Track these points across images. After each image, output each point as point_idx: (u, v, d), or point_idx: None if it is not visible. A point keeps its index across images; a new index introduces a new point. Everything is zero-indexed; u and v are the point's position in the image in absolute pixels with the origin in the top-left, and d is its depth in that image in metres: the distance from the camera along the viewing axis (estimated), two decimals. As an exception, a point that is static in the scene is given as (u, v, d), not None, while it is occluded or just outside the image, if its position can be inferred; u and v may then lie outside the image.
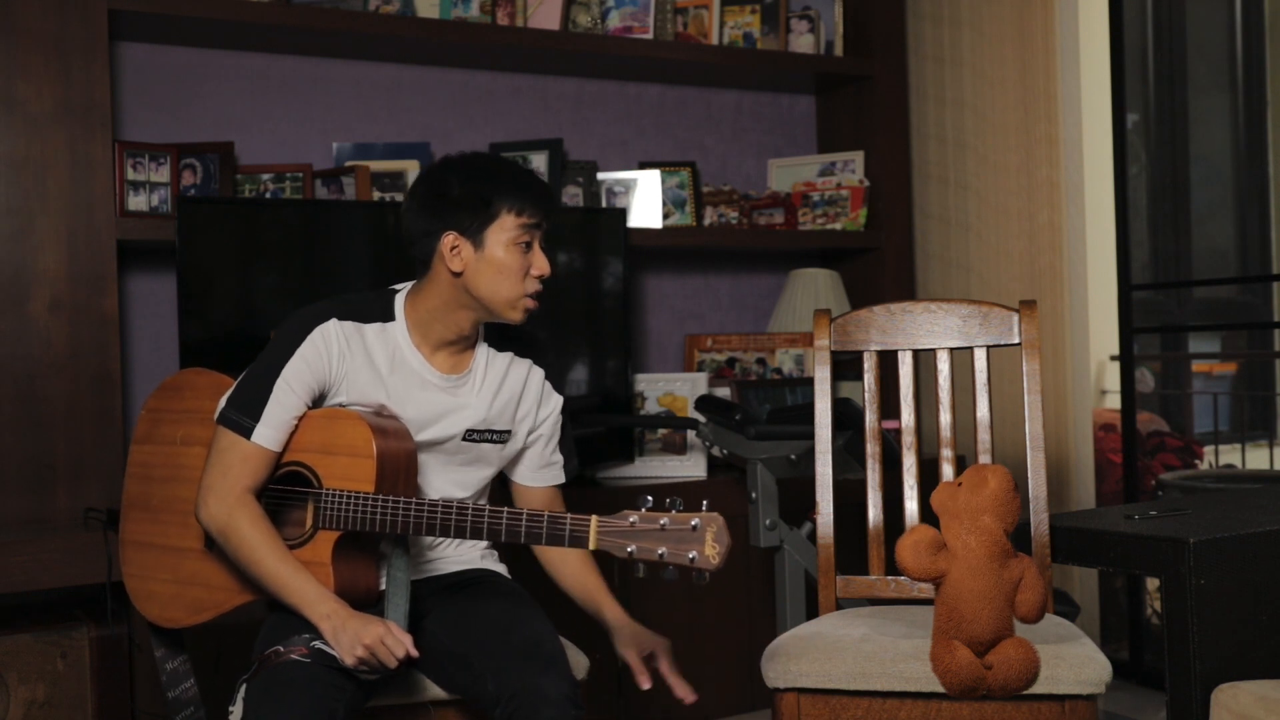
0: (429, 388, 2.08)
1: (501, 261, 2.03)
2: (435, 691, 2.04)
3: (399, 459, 1.98)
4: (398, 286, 2.14)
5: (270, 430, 1.98)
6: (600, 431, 3.33)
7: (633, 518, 1.81)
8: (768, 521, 2.86)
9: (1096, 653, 1.95)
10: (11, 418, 2.80)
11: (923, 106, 4.00)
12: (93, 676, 2.61)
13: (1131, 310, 3.61)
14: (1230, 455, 5.04)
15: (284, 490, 2.04)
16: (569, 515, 1.85)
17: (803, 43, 3.90)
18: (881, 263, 3.92)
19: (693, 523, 1.79)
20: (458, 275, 2.03)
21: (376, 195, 3.28)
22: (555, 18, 3.55)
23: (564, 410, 2.25)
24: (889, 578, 2.28)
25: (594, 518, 1.83)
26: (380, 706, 2.01)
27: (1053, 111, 3.57)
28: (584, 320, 3.42)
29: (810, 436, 2.62)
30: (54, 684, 2.58)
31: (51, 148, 2.85)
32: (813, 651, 2.00)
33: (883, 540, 2.29)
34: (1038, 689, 1.89)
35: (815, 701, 1.99)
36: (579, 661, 2.12)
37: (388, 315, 2.08)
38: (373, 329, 2.06)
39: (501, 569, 2.24)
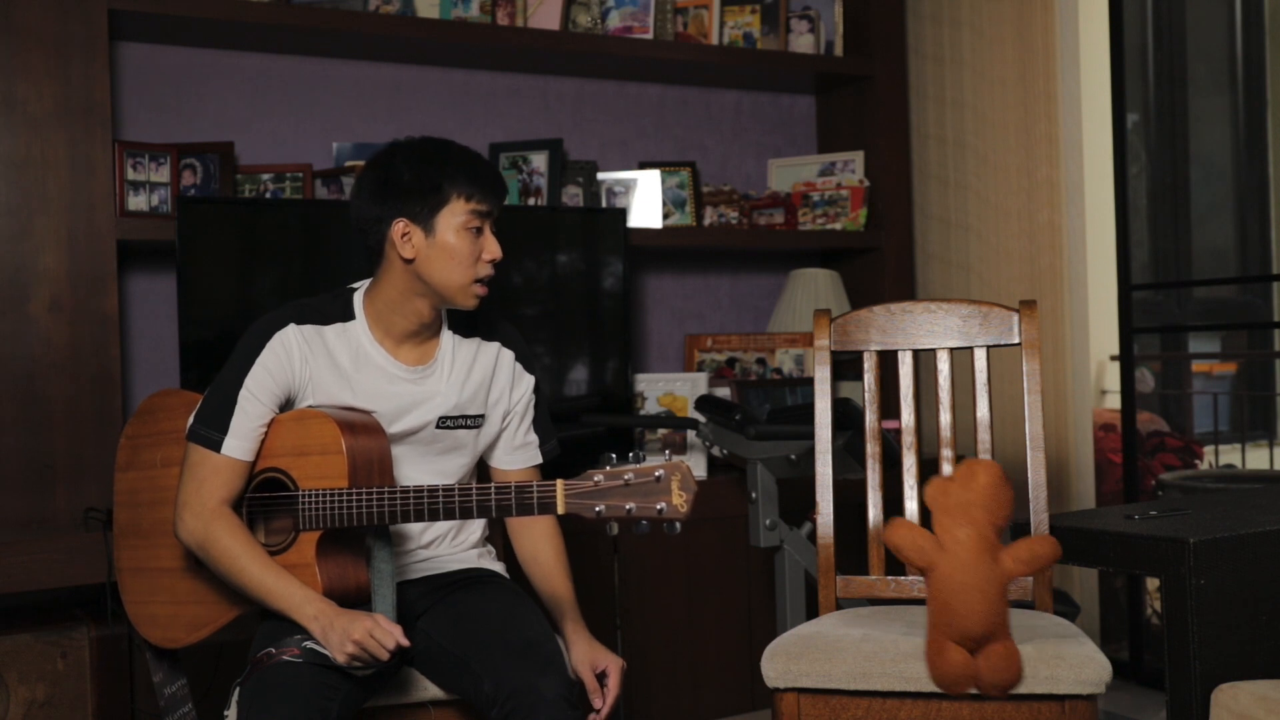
0: (396, 381, 2.07)
1: (453, 247, 2.02)
2: (433, 691, 2.04)
3: (370, 452, 1.98)
4: (355, 285, 2.14)
5: (238, 441, 1.98)
6: (600, 431, 3.33)
7: (597, 476, 1.78)
8: (768, 521, 2.86)
9: (1096, 653, 1.95)
10: (11, 418, 2.80)
11: (923, 106, 4.00)
12: (93, 676, 2.61)
13: (1131, 310, 3.61)
14: (1230, 455, 5.04)
15: (263, 498, 2.04)
16: (535, 484, 1.83)
17: (803, 43, 3.90)
18: (881, 263, 3.92)
19: (656, 474, 1.76)
20: (410, 262, 2.03)
21: (376, 195, 3.28)
22: (555, 18, 3.55)
23: (537, 390, 2.24)
24: (889, 578, 2.28)
25: (560, 482, 1.81)
26: (379, 707, 2.02)
27: (1053, 111, 3.57)
28: (584, 320, 3.41)
29: (810, 436, 2.62)
30: (54, 684, 2.58)
31: (51, 148, 2.85)
32: (813, 651, 2.00)
33: (883, 540, 2.29)
34: (1038, 689, 1.89)
35: (815, 701, 1.99)
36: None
37: (347, 314, 2.07)
38: (333, 330, 2.05)
39: (499, 568, 2.23)
